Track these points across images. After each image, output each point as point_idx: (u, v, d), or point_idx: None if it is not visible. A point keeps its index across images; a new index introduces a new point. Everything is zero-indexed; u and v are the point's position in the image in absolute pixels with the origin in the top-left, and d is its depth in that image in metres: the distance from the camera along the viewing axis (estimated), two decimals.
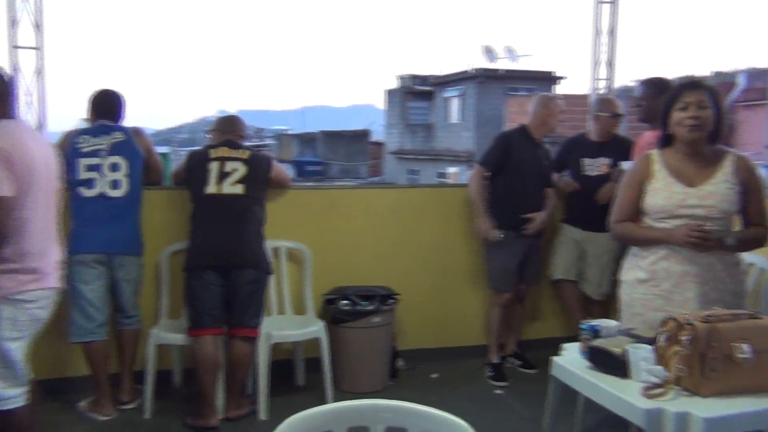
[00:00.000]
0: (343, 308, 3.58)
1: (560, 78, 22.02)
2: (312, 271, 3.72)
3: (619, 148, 3.80)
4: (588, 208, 3.84)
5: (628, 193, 2.54)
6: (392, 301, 3.71)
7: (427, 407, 1.43)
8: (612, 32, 5.02)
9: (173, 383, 3.64)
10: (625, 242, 2.63)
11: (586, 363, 2.12)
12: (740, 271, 2.47)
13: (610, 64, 5.05)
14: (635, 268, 2.52)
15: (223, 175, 3.20)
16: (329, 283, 3.77)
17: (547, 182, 3.87)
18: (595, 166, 3.87)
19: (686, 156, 2.44)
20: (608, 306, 3.98)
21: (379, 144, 28.44)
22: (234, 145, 3.32)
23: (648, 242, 2.47)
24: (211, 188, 3.19)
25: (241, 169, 3.22)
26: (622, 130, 4.32)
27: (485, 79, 20.85)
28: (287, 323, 3.57)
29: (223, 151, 3.27)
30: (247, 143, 3.68)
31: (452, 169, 17.96)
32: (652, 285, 2.44)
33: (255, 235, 3.23)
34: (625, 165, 3.58)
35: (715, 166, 2.42)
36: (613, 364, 2.03)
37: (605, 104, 4.02)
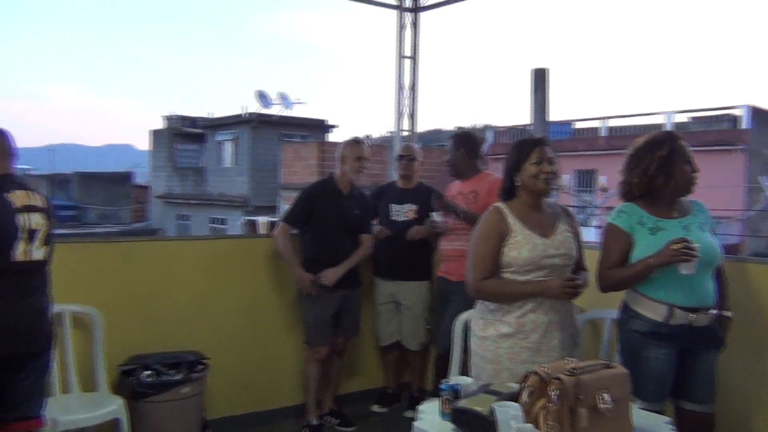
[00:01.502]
0: (146, 380, 3.10)
1: (332, 126, 22.76)
2: (104, 339, 3.17)
3: (426, 197, 3.89)
4: (397, 257, 3.86)
5: (486, 249, 2.47)
6: (202, 366, 3.31)
7: None
8: (413, 87, 5.22)
9: None
10: (493, 300, 2.50)
11: (450, 426, 2.01)
12: (576, 316, 2.60)
13: (412, 115, 5.25)
14: (497, 323, 2.47)
15: (31, 234, 2.44)
16: (126, 351, 3.26)
17: (361, 230, 3.79)
18: (401, 212, 3.91)
19: (530, 208, 2.50)
20: (424, 354, 4.01)
21: (143, 187, 26.78)
22: (25, 186, 2.53)
23: (521, 297, 2.43)
24: (18, 253, 2.41)
25: (43, 225, 2.49)
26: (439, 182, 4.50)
27: (259, 124, 20.76)
28: (75, 404, 2.98)
29: (23, 197, 2.47)
30: None
31: (262, 219, 17.44)
32: (520, 338, 2.43)
33: (49, 310, 2.58)
34: (436, 216, 3.67)
35: (554, 217, 2.53)
36: (480, 425, 1.94)
37: (403, 149, 4.18)
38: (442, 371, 3.24)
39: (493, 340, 2.46)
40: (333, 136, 22.12)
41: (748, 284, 2.73)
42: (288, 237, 3.64)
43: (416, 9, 5.42)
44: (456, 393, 2.10)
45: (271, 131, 20.85)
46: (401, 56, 5.23)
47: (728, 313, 2.51)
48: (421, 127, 5.60)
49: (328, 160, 17.55)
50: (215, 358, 3.42)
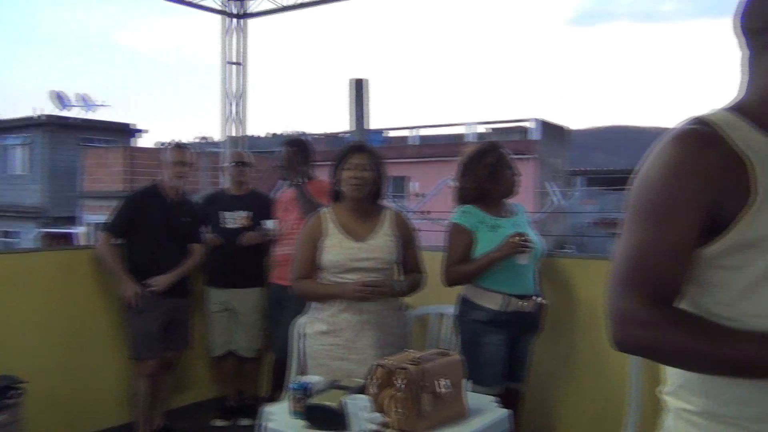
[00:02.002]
0: None
1: (140, 131, 21.55)
2: None
3: (257, 203, 3.91)
4: (230, 264, 3.83)
5: (304, 251, 2.65)
6: (16, 392, 3.02)
7: None
8: (241, 93, 5.16)
9: None
10: (305, 298, 2.70)
11: (302, 423, 2.08)
12: (404, 315, 2.77)
13: (240, 121, 5.19)
14: (317, 321, 2.62)
15: None
16: None
17: (189, 238, 3.70)
18: (233, 219, 3.88)
19: (353, 212, 2.65)
20: (259, 361, 4.00)
21: None
22: None
23: (325, 297, 2.60)
24: None
25: None
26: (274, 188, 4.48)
27: (57, 128, 19.04)
28: None
29: None
30: None
31: (81, 229, 15.80)
32: (334, 336, 2.56)
33: None
34: (268, 224, 3.71)
35: (377, 221, 2.69)
36: (332, 419, 2.03)
37: (235, 155, 4.16)
38: (280, 376, 3.29)
39: (313, 337, 2.62)
40: (142, 142, 20.96)
41: (555, 276, 3.11)
42: (110, 246, 3.46)
43: (242, 15, 5.39)
44: (306, 391, 2.16)
45: (70, 135, 19.22)
46: (228, 62, 5.18)
47: (545, 301, 2.86)
48: (240, 132, 5.56)
49: (136, 166, 16.60)
50: (33, 381, 3.14)
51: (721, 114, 1.04)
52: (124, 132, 21.12)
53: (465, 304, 2.79)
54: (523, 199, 3.03)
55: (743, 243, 0.97)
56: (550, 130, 20.67)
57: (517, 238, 2.65)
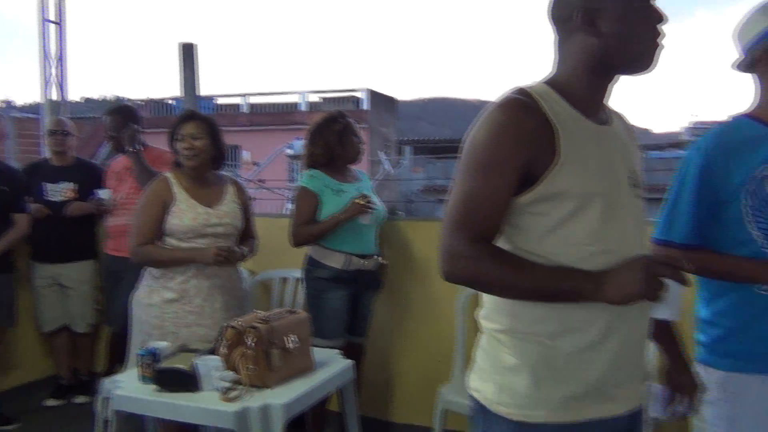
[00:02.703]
0: None
1: None
2: None
3: (84, 173, 3.73)
4: (56, 237, 3.63)
5: (148, 216, 2.57)
6: None
7: None
8: (61, 55, 4.75)
9: None
10: (151, 265, 2.61)
11: (153, 386, 2.10)
12: (241, 278, 2.84)
13: (61, 85, 4.78)
14: (162, 290, 2.57)
15: None
16: None
17: (11, 208, 3.43)
18: (58, 191, 3.67)
19: (196, 180, 2.65)
20: (93, 336, 3.86)
21: None
22: None
23: (176, 263, 2.56)
24: None
25: None
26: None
27: None
28: None
29: None
30: None
31: None
32: (184, 303, 2.55)
33: None
34: (102, 193, 3.56)
35: (221, 188, 2.72)
36: (184, 381, 2.07)
37: (54, 123, 3.89)
38: (118, 350, 3.22)
39: (158, 306, 2.56)
40: None
41: (392, 237, 3.32)
42: None
43: None
44: (155, 356, 2.18)
45: None
46: (44, 20, 4.75)
47: (385, 261, 3.08)
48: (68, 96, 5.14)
49: None
50: None
51: (539, 86, 1.26)
52: None
53: (311, 263, 2.93)
54: (357, 167, 3.21)
55: (547, 195, 1.20)
56: (380, 100, 21.29)
57: (362, 200, 2.83)
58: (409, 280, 3.29)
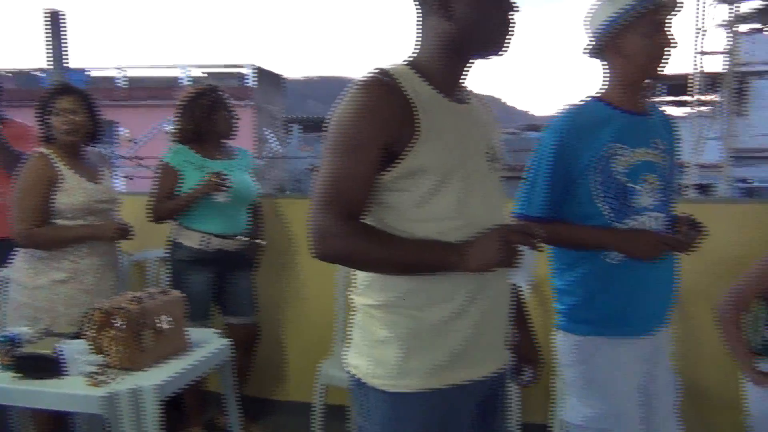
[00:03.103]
0: None
1: None
2: None
3: None
4: None
5: (35, 197, 2.44)
6: None
7: None
8: None
9: None
10: (46, 247, 2.46)
11: (11, 374, 1.98)
12: (120, 257, 2.74)
13: None
14: (50, 270, 2.46)
15: None
16: None
17: None
18: None
19: (71, 155, 2.53)
20: None
21: None
22: None
23: (76, 241, 2.47)
24: None
25: None
26: None
27: None
28: None
29: None
30: None
31: None
32: (76, 282, 2.47)
33: None
34: None
35: (95, 163, 2.62)
36: (46, 366, 1.97)
37: None
38: None
39: (48, 288, 2.46)
40: None
41: (275, 216, 3.30)
42: None
43: None
44: (14, 342, 2.06)
45: None
46: None
47: (262, 241, 3.03)
48: None
49: None
50: None
51: (400, 67, 1.30)
52: None
53: (173, 245, 2.88)
54: (242, 146, 3.16)
55: (409, 171, 1.24)
56: (266, 77, 20.87)
57: (214, 176, 2.75)
58: (291, 259, 3.29)
